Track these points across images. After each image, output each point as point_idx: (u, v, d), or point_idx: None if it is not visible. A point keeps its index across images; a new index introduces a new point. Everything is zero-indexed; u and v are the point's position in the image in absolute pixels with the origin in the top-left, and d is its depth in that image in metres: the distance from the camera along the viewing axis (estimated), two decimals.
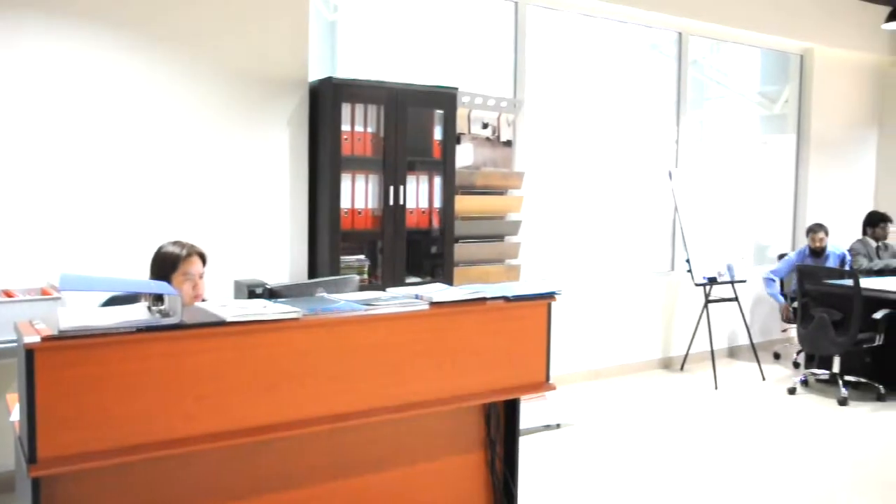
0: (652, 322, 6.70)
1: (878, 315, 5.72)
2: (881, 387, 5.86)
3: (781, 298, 6.76)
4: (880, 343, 5.79)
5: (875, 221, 6.95)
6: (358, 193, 4.71)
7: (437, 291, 2.78)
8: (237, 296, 4.35)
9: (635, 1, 6.27)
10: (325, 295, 2.83)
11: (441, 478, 2.96)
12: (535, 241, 6.09)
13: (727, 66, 8.39)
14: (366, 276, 4.76)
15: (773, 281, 6.81)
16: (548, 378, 2.92)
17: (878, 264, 6.76)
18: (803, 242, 7.20)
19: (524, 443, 4.68)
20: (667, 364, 6.78)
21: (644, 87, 7.44)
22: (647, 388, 6.19)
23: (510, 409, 3.08)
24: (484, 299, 2.75)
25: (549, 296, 2.87)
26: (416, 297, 2.71)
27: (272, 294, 2.86)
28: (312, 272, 4.81)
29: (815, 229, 6.72)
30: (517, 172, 5.66)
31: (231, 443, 2.31)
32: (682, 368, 6.70)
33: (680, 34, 6.94)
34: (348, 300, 2.66)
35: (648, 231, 7.06)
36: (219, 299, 2.88)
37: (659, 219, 7.04)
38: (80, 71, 4.06)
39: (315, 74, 4.87)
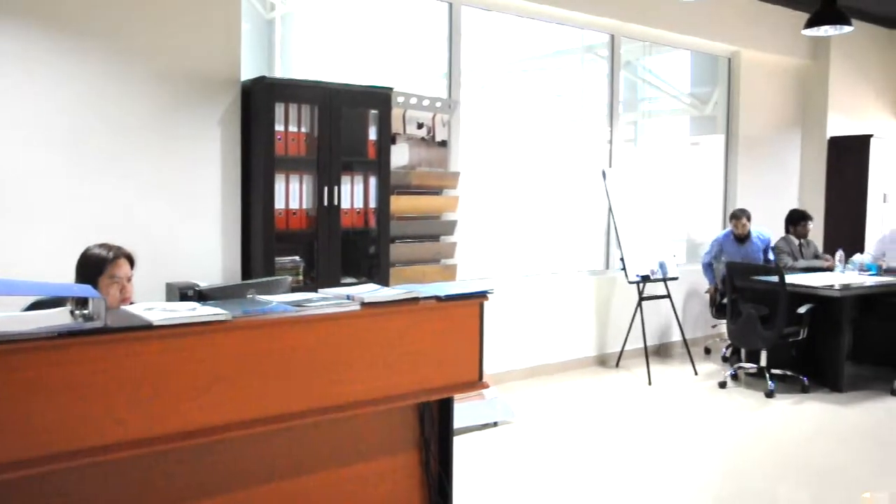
0: (587, 320, 6.80)
1: (802, 310, 5.92)
2: (805, 379, 6.07)
3: (711, 277, 6.92)
4: (804, 337, 5.99)
5: (796, 220, 7.19)
6: (292, 194, 4.67)
7: (369, 292, 2.78)
8: (169, 298, 4.29)
9: (569, 3, 6.36)
10: (257, 297, 2.80)
11: (376, 478, 2.96)
12: (471, 241, 6.13)
13: (660, 68, 8.58)
14: (301, 277, 4.73)
15: (710, 265, 6.97)
16: (480, 377, 2.94)
17: (801, 263, 6.99)
18: None
19: (462, 442, 4.73)
20: (602, 361, 6.89)
21: (579, 88, 7.56)
22: (584, 385, 6.28)
23: (444, 409, 3.10)
24: (416, 299, 2.76)
25: (481, 295, 2.89)
26: (348, 297, 2.70)
27: (201, 296, 2.82)
28: (246, 274, 4.75)
29: (738, 215, 6.91)
30: (452, 172, 5.69)
31: (162, 448, 2.27)
32: (617, 365, 6.82)
33: (612, 36, 7.06)
34: (279, 301, 2.64)
35: (583, 230, 7.17)
36: (147, 302, 2.83)
37: (593, 218, 7.15)
38: (4, 68, 3.93)
39: (253, 73, 4.81)
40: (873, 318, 6.20)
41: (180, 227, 4.52)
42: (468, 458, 4.50)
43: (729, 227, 6.98)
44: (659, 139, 9.03)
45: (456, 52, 5.92)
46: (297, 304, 2.57)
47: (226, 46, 4.64)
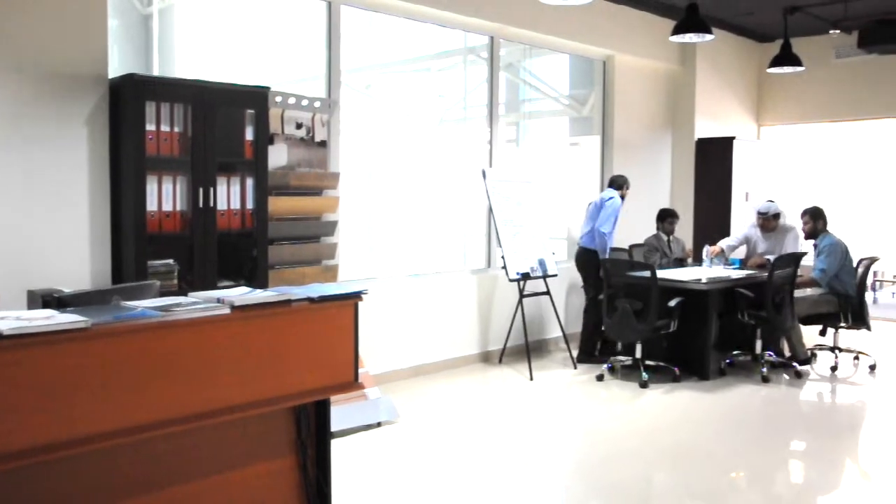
0: (470, 318, 6.90)
1: (672, 303, 6.20)
2: (676, 369, 6.36)
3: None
4: (675, 329, 6.27)
5: (663, 217, 7.54)
6: (166, 195, 4.53)
7: (240, 295, 2.73)
8: (31, 306, 4.07)
9: (449, 4, 6.43)
10: (122, 302, 2.71)
11: (253, 484, 2.91)
12: (354, 242, 6.12)
13: (541, 70, 8.79)
14: (176, 282, 4.58)
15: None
16: (356, 378, 2.94)
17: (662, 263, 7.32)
18: None
19: (344, 444, 4.71)
20: (486, 358, 7.00)
21: (461, 89, 7.66)
22: (467, 382, 6.37)
23: (321, 411, 3.08)
24: (288, 301, 2.73)
25: (356, 296, 2.89)
26: (218, 300, 2.64)
27: (62, 303, 2.69)
28: (117, 278, 4.57)
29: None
30: (332, 173, 5.65)
31: (19, 463, 2.16)
32: (500, 362, 6.95)
33: (492, 38, 7.18)
34: (145, 307, 2.55)
35: (466, 229, 7.27)
36: (5, 310, 2.68)
37: (475, 217, 7.26)
38: None
39: (129, 70, 4.62)
40: (748, 309, 6.54)
41: (45, 232, 4.31)
42: (350, 459, 4.49)
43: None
44: (540, 140, 9.25)
45: (335, 52, 5.88)
46: (164, 308, 2.50)
47: (90, 41, 4.44)
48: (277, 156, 5.30)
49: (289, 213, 5.36)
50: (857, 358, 6.98)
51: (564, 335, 7.12)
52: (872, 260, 6.97)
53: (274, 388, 2.71)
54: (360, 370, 4.80)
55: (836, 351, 6.86)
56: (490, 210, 6.77)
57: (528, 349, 6.66)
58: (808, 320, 6.84)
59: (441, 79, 8.15)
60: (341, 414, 4.78)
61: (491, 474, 4.40)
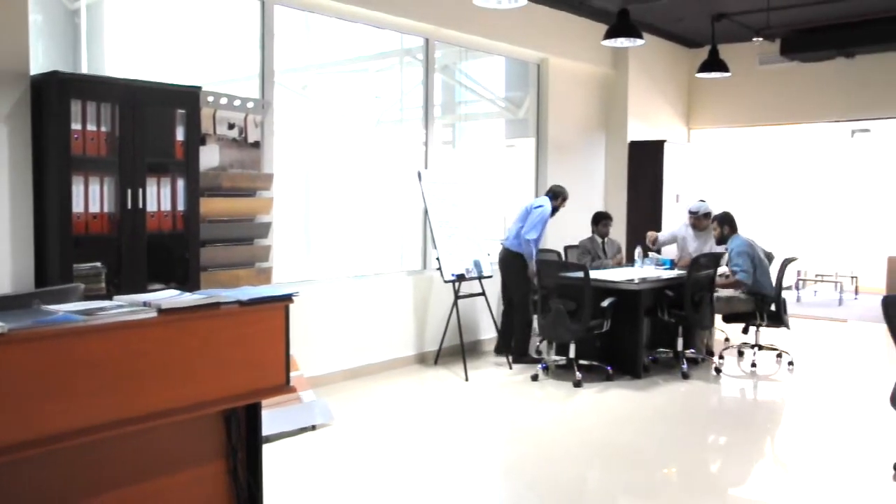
0: (407, 319, 6.90)
1: (605, 303, 6.31)
2: (609, 368, 6.48)
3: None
4: (608, 329, 6.38)
5: (597, 220, 7.68)
6: (93, 196, 4.41)
7: (168, 298, 2.68)
8: None
9: (385, 6, 6.43)
10: (42, 306, 2.63)
11: (182, 490, 2.86)
12: (289, 243, 6.06)
13: (477, 72, 8.85)
14: (103, 285, 4.47)
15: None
16: (287, 381, 2.92)
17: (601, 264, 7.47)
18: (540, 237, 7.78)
19: (278, 447, 4.67)
20: (422, 359, 7.01)
21: (398, 90, 7.65)
22: (403, 383, 6.37)
23: (252, 415, 3.04)
24: (217, 304, 2.70)
25: (286, 298, 2.87)
26: (145, 304, 2.59)
27: None
28: (41, 282, 4.43)
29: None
30: (266, 174, 5.59)
31: None
32: (435, 362, 6.97)
33: (427, 40, 7.20)
34: (67, 311, 2.49)
35: (402, 231, 7.27)
36: None
37: (411, 219, 7.27)
38: None
39: (54, 67, 4.49)
40: (669, 308, 6.70)
41: None
42: (284, 463, 4.45)
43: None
44: (476, 141, 9.32)
45: (269, 52, 5.82)
46: (87, 312, 2.44)
47: (10, 35, 4.29)
48: (209, 156, 5.22)
49: (221, 215, 5.29)
50: (779, 356, 7.21)
51: (500, 335, 7.18)
52: (790, 260, 7.21)
53: (203, 393, 2.68)
54: (294, 373, 4.77)
55: (756, 348, 7.09)
56: (425, 211, 6.78)
57: (464, 350, 6.70)
58: (729, 319, 7.06)
59: (378, 80, 8.14)
60: (275, 417, 4.74)
61: (426, 475, 4.41)
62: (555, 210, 7.05)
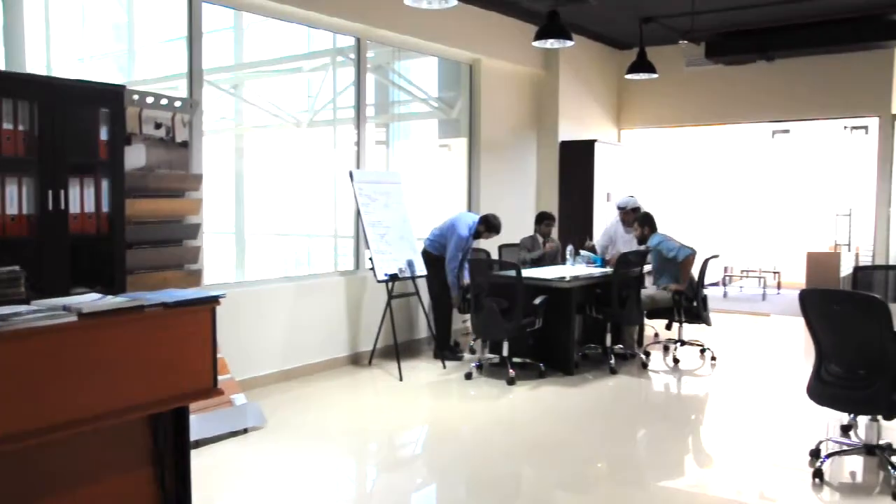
0: (340, 320, 6.87)
1: (537, 301, 6.39)
2: (542, 365, 6.57)
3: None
4: (540, 326, 6.47)
5: (540, 219, 7.79)
6: (10, 198, 4.26)
7: (89, 301, 2.62)
8: None
9: (315, 5, 6.38)
10: None
11: (108, 500, 2.80)
12: (221, 245, 5.97)
13: (411, 72, 8.86)
14: (22, 289, 4.33)
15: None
16: (215, 384, 2.88)
17: (532, 256, 7.56)
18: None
19: (209, 452, 4.60)
20: (356, 360, 6.99)
21: (331, 89, 7.61)
22: (337, 384, 6.34)
23: (179, 419, 2.99)
24: (141, 307, 2.65)
25: (213, 300, 2.84)
26: (65, 308, 2.53)
27: None
28: None
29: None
30: (195, 174, 5.50)
31: None
32: (370, 363, 6.96)
33: (358, 40, 7.18)
34: None
35: (336, 231, 7.23)
36: None
37: (344, 219, 7.23)
38: None
39: None
40: (597, 305, 6.84)
41: None
42: (215, 469, 4.39)
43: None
44: (411, 141, 9.33)
45: (197, 50, 5.72)
46: (1, 318, 2.37)
47: None
48: (135, 156, 5.11)
49: (148, 216, 5.18)
50: (703, 351, 7.41)
51: (434, 334, 7.21)
52: (711, 258, 7.42)
53: (127, 398, 2.63)
54: (224, 376, 4.73)
55: (679, 343, 7.29)
56: (357, 212, 6.76)
57: (398, 349, 6.70)
58: (652, 315, 7.24)
59: (312, 79, 8.08)
60: (205, 422, 4.67)
61: (360, 476, 4.41)
62: (477, 234, 7.10)
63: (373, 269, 6.57)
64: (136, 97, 5.06)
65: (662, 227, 7.34)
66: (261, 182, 7.08)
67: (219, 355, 4.83)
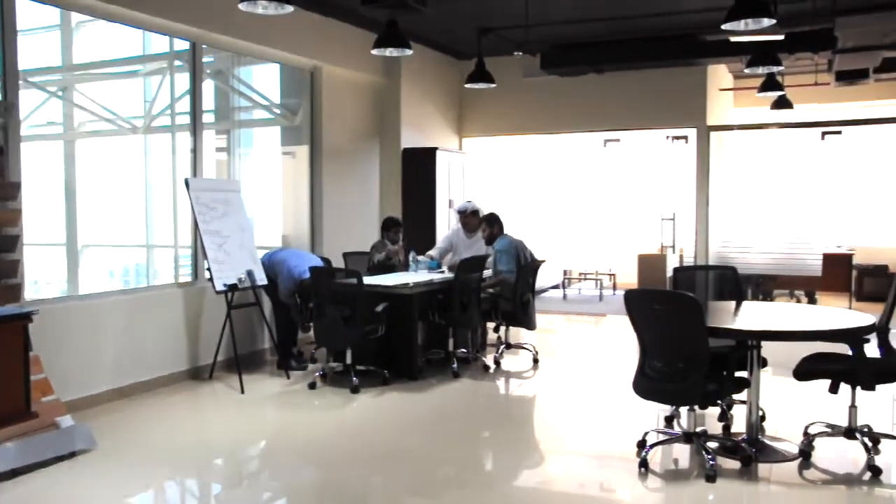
0: (178, 333, 6.62)
1: (378, 308, 6.43)
2: (386, 372, 6.60)
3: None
4: (383, 333, 6.50)
5: (388, 226, 7.84)
6: None
7: None
8: None
9: (146, 6, 6.13)
10: None
11: None
12: (47, 257, 5.62)
13: (252, 78, 8.69)
14: None
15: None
16: (28, 406, 2.71)
17: (385, 256, 7.61)
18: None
19: (33, 480, 4.29)
20: (195, 374, 6.76)
21: (168, 94, 7.34)
22: (175, 400, 6.11)
23: None
24: None
25: (24, 317, 2.68)
26: None
27: None
28: None
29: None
30: (12, 182, 5.14)
31: None
32: (210, 377, 6.75)
33: (194, 44, 6.96)
34: None
35: (173, 241, 6.97)
36: None
37: (182, 228, 6.99)
38: None
39: None
40: (440, 311, 6.95)
41: None
42: (35, 498, 4.10)
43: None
44: (254, 149, 9.15)
45: (11, 49, 5.34)
46: None
47: None
48: None
49: None
50: (536, 353, 7.63)
51: (276, 345, 7.10)
52: (539, 264, 7.67)
53: None
54: (49, 398, 4.45)
55: (505, 346, 7.57)
56: (195, 221, 6.54)
57: (238, 362, 6.53)
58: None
59: (149, 84, 7.76)
60: (26, 447, 4.34)
61: (203, 494, 4.27)
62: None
63: (211, 279, 6.38)
64: None
65: (511, 233, 7.52)
66: (95, 190, 6.72)
67: (42, 375, 4.58)
